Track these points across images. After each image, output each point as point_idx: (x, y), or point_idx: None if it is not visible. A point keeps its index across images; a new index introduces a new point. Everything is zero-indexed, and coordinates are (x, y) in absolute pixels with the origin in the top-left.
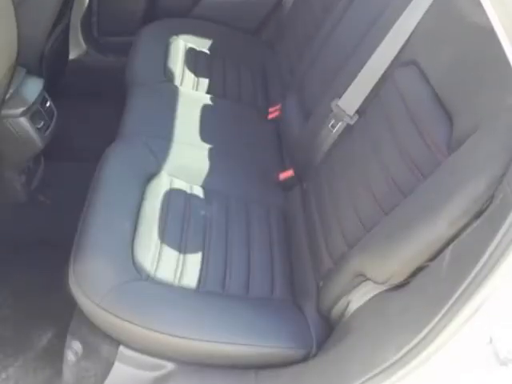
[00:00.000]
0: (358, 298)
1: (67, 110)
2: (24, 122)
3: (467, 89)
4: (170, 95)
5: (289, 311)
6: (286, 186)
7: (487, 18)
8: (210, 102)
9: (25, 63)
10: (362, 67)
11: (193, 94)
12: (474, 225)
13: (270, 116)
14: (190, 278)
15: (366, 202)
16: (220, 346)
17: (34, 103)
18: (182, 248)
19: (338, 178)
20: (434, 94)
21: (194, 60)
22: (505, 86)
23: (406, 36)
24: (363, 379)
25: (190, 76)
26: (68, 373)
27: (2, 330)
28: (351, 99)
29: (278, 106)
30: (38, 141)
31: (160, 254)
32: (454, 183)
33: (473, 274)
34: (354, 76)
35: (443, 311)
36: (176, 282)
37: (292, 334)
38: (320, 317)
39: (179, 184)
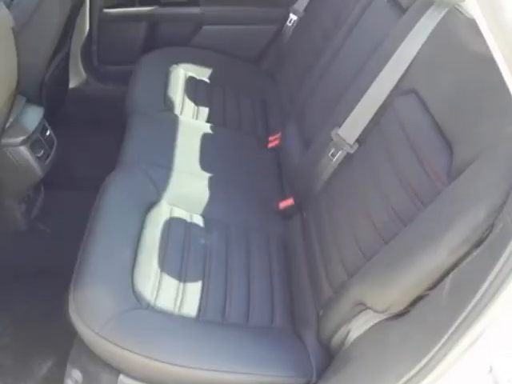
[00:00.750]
0: (358, 327)
1: (67, 138)
2: (24, 150)
3: (467, 117)
4: (170, 124)
5: (289, 340)
6: (286, 214)
7: (487, 47)
8: (210, 131)
9: (25, 92)
10: (361, 96)
11: (193, 122)
12: (474, 253)
13: (270, 145)
14: (190, 307)
15: (366, 230)
16: (220, 375)
17: (34, 132)
18: (182, 277)
19: (338, 207)
20: (434, 123)
21: (194, 89)
22: (504, 115)
23: (406, 65)
24: None
25: (190, 105)
26: None
27: (1, 359)
28: (351, 128)
29: (277, 135)
30: (38, 169)
31: (160, 282)
32: (454, 212)
33: (473, 303)
34: (354, 105)
35: (443, 340)
36: (176, 311)
37: (292, 362)
38: (320, 345)
39: (179, 213)
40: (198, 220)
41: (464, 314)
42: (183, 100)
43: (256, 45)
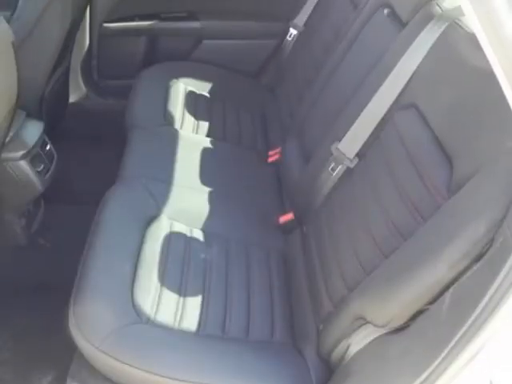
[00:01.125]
0: (357, 341)
1: (67, 153)
2: (24, 165)
3: (467, 132)
4: (169, 138)
5: (289, 354)
6: (286, 229)
7: (487, 62)
8: (209, 145)
9: (25, 106)
10: (361, 110)
11: (193, 137)
12: (474, 268)
13: (270, 159)
14: (190, 321)
15: (366, 245)
16: None
17: (33, 146)
18: (182, 291)
19: (338, 222)
20: (434, 137)
21: (193, 103)
22: (504, 130)
23: (406, 79)
24: None
25: (189, 119)
26: None
27: (1, 373)
28: (351, 142)
29: (277, 150)
30: (38, 184)
31: (160, 297)
32: (454, 226)
33: (473, 318)
34: (354, 119)
35: (443, 354)
36: (176, 325)
37: (292, 377)
38: (320, 360)
39: (179, 227)
40: (198, 234)
41: (464, 329)
42: (183, 114)
43: (256, 59)
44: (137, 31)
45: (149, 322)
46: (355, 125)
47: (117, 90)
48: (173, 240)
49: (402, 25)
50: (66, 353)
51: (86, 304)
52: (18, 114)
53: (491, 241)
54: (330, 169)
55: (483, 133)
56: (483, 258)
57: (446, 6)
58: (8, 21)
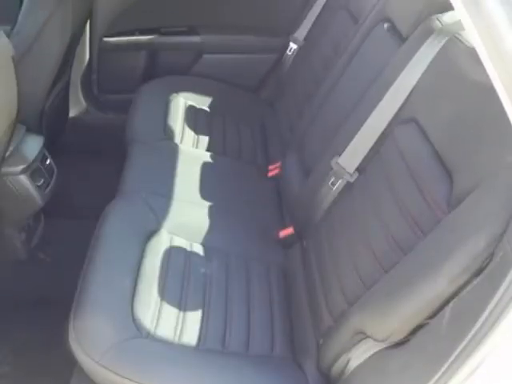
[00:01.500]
0: (358, 356)
1: (67, 167)
2: (24, 179)
3: (467, 146)
4: (170, 153)
5: (289, 369)
6: (286, 243)
7: (487, 76)
8: (209, 160)
9: (25, 120)
10: (361, 125)
11: (193, 151)
12: (474, 282)
13: (270, 174)
14: (190, 336)
15: (366, 259)
16: None
17: (33, 161)
18: (182, 305)
19: (338, 236)
20: (434, 152)
21: (194, 117)
22: (504, 144)
23: (406, 94)
24: None
25: (190, 133)
26: None
27: None
28: (351, 157)
29: (277, 164)
30: (38, 198)
31: (160, 311)
32: (454, 241)
33: (473, 332)
34: (354, 134)
35: (443, 369)
36: (176, 340)
37: None
38: (320, 374)
39: (179, 241)
40: (198, 249)
41: (464, 343)
42: (183, 129)
43: (256, 73)
44: (137, 45)
45: (149, 336)
46: (355, 139)
47: (117, 104)
48: (173, 254)
49: (402, 39)
50: (66, 367)
51: (86, 318)
52: (17, 129)
53: (491, 255)
54: (330, 183)
55: (483, 147)
56: (483, 272)
57: (446, 21)
58: (8, 35)
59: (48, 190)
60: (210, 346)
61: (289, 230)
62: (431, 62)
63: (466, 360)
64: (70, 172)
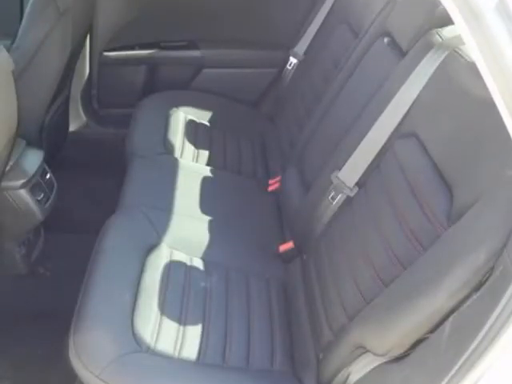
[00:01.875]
0: (358, 370)
1: (67, 181)
2: (24, 194)
3: (467, 161)
4: (169, 167)
5: (289, 383)
6: (286, 257)
7: (487, 90)
8: (210, 174)
9: (25, 135)
10: (361, 139)
11: (193, 165)
12: (474, 296)
13: (270, 188)
14: (190, 350)
15: (366, 273)
16: None
17: (33, 175)
18: (182, 320)
19: (338, 250)
20: (434, 166)
21: (194, 132)
22: (505, 158)
23: (406, 108)
24: None
25: (190, 148)
26: None
27: None
28: (351, 171)
29: (277, 178)
30: (37, 213)
31: (160, 325)
32: (454, 255)
33: (473, 346)
34: (354, 148)
35: (443, 383)
36: (176, 354)
37: None
38: None
39: (179, 256)
40: (198, 263)
41: (464, 357)
42: (183, 143)
43: (256, 88)
44: (137, 60)
45: (149, 350)
46: (355, 153)
47: (117, 118)
48: (173, 269)
49: (402, 54)
50: (66, 382)
51: (86, 333)
52: (17, 143)
53: (491, 269)
54: (329, 197)
55: (483, 161)
56: (483, 286)
57: (446, 35)
58: (8, 50)
59: (48, 204)
60: (210, 360)
61: (289, 245)
62: (431, 77)
63: (466, 374)
64: (69, 186)
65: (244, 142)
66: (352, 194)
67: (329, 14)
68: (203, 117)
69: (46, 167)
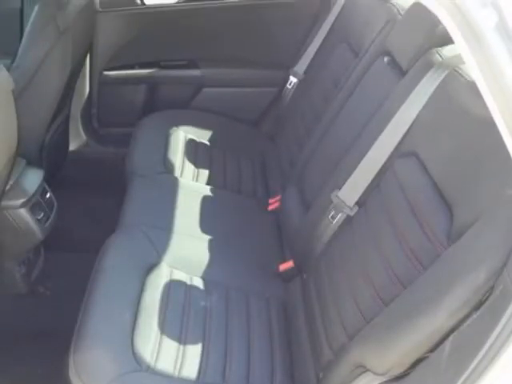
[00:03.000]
0: None
1: (67, 200)
2: (24, 213)
3: (467, 180)
4: (169, 186)
5: None
6: (286, 277)
7: (487, 110)
8: (209, 193)
9: (25, 154)
10: (361, 158)
11: (193, 185)
12: (474, 316)
13: (270, 207)
14: (190, 369)
15: (366, 293)
16: None
17: (33, 194)
18: (182, 339)
19: (338, 269)
20: (434, 186)
21: (194, 151)
22: (504, 178)
23: (406, 127)
24: None
25: (189, 167)
26: None
27: None
28: (351, 190)
29: (277, 197)
30: (37, 232)
31: (160, 344)
32: (453, 274)
33: (473, 365)
34: (354, 167)
35: None
36: (176, 374)
37: None
38: None
39: (179, 275)
40: (198, 282)
41: (464, 377)
42: (183, 162)
43: (256, 107)
44: (137, 79)
45: (149, 369)
46: (355, 173)
47: (117, 137)
48: (173, 288)
49: (402, 73)
50: None
51: (86, 352)
52: (17, 162)
53: (491, 289)
54: (329, 217)
55: (483, 181)
56: (483, 305)
57: (446, 54)
58: (8, 69)
59: (48, 223)
60: (210, 379)
61: (289, 264)
62: (431, 96)
63: None
64: (69, 205)
65: (244, 161)
66: (352, 214)
67: (329, 33)
68: (203, 136)
69: (46, 186)
